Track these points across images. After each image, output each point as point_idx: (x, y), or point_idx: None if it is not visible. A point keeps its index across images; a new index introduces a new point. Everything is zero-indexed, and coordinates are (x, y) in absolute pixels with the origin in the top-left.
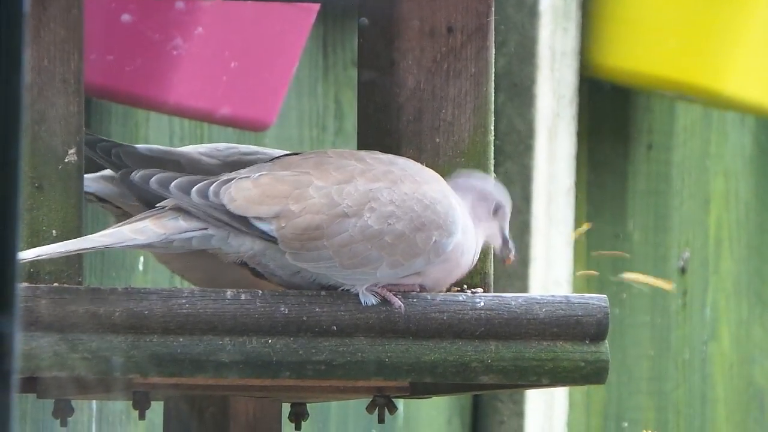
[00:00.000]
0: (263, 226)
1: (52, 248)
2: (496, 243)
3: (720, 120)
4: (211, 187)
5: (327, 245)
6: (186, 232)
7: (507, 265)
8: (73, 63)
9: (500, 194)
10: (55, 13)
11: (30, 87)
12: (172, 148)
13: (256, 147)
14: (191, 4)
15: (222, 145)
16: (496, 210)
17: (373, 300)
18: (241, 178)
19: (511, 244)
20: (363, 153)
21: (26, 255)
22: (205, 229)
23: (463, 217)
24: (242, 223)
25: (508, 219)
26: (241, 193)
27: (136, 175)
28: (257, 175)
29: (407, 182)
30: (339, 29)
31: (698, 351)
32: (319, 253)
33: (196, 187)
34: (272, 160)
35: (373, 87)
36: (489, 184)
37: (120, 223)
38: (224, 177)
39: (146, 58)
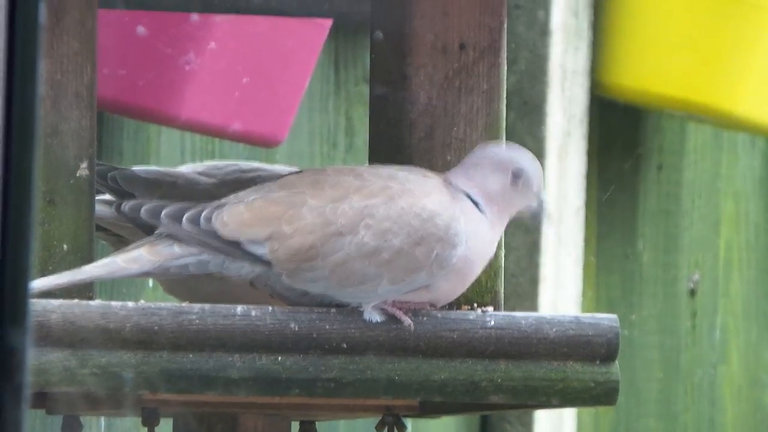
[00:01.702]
0: (256, 249)
1: (44, 282)
2: (528, 214)
3: (731, 141)
4: (203, 214)
5: (323, 265)
6: (181, 258)
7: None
8: (86, 76)
9: (519, 160)
10: (68, 25)
11: (43, 100)
12: (169, 169)
13: (258, 164)
14: (204, 18)
15: (222, 163)
16: (516, 178)
17: (377, 317)
18: (235, 203)
19: (543, 214)
20: (362, 168)
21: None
22: (201, 254)
23: (471, 223)
24: (235, 248)
25: (534, 183)
26: (233, 217)
27: (126, 207)
28: (251, 198)
29: (405, 196)
30: (351, 45)
31: (707, 374)
32: (315, 273)
33: (186, 214)
34: (274, 181)
35: (385, 102)
36: (504, 152)
37: (115, 252)
38: (216, 203)
39: (158, 73)
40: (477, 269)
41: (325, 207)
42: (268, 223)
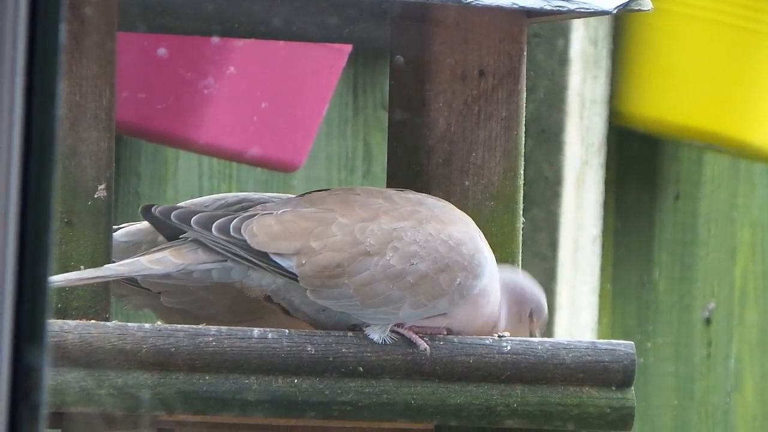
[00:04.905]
0: (283, 262)
1: (66, 276)
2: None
3: (748, 171)
4: (233, 223)
5: (348, 283)
6: (205, 263)
7: None
8: (104, 99)
9: (541, 303)
10: (88, 47)
11: (61, 121)
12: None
13: (245, 194)
14: (224, 43)
15: (210, 198)
16: (531, 316)
17: (378, 338)
18: (264, 214)
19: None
20: (391, 191)
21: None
22: (225, 261)
23: (492, 263)
24: (263, 259)
25: (541, 327)
26: (263, 228)
27: (157, 209)
28: (281, 211)
29: (433, 222)
30: (369, 71)
31: (722, 402)
32: (340, 291)
33: (216, 222)
34: (300, 195)
35: (403, 128)
36: (530, 286)
37: (139, 254)
38: (246, 213)
39: (177, 97)
40: (490, 312)
41: (355, 226)
42: (297, 238)
